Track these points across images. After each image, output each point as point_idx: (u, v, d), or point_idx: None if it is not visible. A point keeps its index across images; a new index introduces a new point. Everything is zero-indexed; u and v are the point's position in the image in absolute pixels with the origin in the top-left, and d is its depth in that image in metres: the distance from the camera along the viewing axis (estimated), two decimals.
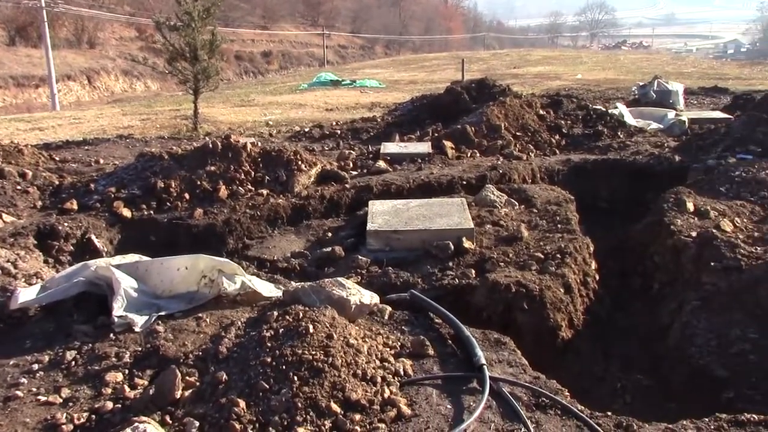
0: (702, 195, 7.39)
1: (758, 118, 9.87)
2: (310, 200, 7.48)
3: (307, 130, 12.60)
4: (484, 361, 4.04)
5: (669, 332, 5.68)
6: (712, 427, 3.63)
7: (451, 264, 5.83)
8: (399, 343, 4.32)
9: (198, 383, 3.76)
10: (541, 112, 11.36)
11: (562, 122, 11.16)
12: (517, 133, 10.40)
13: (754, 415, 3.68)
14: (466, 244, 6.01)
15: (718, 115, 12.70)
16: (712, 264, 5.79)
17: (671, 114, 12.38)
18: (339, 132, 12.07)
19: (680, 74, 24.34)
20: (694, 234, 6.33)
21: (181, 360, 4.01)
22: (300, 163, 8.14)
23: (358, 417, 3.47)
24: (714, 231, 6.22)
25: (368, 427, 3.43)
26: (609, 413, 3.76)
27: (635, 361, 5.79)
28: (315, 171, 8.31)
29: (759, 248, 5.90)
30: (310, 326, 3.93)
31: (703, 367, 5.11)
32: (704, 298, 5.63)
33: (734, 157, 8.77)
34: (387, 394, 3.69)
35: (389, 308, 4.79)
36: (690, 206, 6.92)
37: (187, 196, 7.39)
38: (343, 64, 45.21)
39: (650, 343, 5.92)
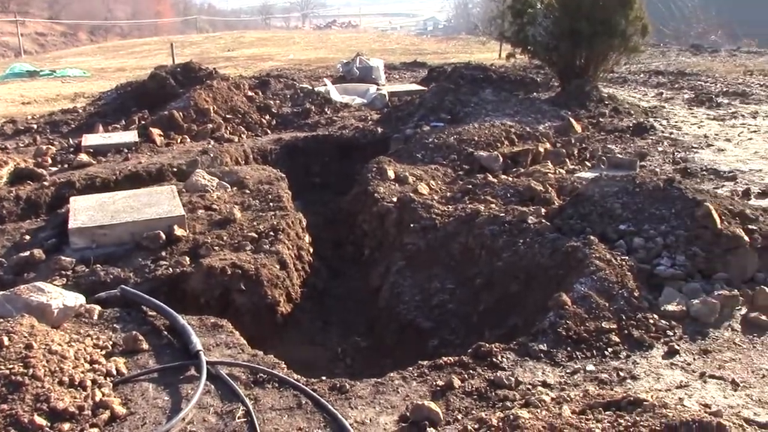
0: (402, 162, 7.94)
1: (446, 88, 10.84)
2: (3, 203, 6.84)
3: None
4: (200, 347, 4.02)
5: (380, 294, 6.08)
6: (415, 374, 3.94)
7: (164, 254, 5.68)
8: (111, 342, 4.16)
9: None
10: (250, 93, 11.42)
11: (272, 102, 11.32)
12: (227, 116, 10.36)
13: (450, 358, 4.06)
14: (178, 231, 5.90)
15: (415, 87, 13.65)
16: (412, 225, 6.26)
17: (373, 89, 13.06)
18: (36, 126, 11.07)
19: (386, 51, 25.67)
20: (395, 199, 6.80)
21: None
22: None
23: (67, 426, 3.28)
24: (412, 195, 6.73)
25: None
26: (324, 378, 3.94)
27: (353, 325, 6.11)
28: (7, 170, 7.61)
29: (450, 207, 6.49)
30: (5, 338, 3.64)
31: (411, 321, 5.54)
32: (408, 257, 6.08)
33: (428, 125, 9.51)
34: (99, 396, 3.54)
35: (98, 307, 4.57)
36: (391, 174, 7.42)
37: None
38: (42, 53, 41.48)
39: (365, 306, 6.28)
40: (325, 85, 13.13)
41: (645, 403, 3.19)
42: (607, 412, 3.22)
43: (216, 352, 4.18)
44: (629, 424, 3.02)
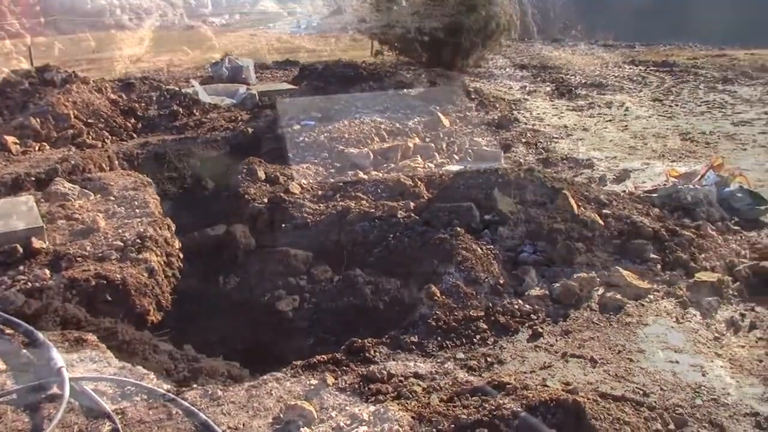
0: (273, 162, 7.89)
1: (317, 86, 10.85)
2: None
3: None
4: (62, 364, 3.85)
5: (254, 295, 6.00)
6: (290, 374, 3.94)
7: (22, 268, 5.39)
8: None
9: None
10: (113, 96, 10.98)
11: (137, 105, 10.94)
12: (90, 121, 9.92)
13: (323, 356, 4.09)
14: (37, 244, 5.61)
15: (286, 86, 13.56)
16: (284, 225, 6.24)
17: (243, 89, 12.86)
18: None
19: (258, 50, 25.35)
20: (266, 200, 6.74)
21: None
22: None
23: None
24: (283, 195, 6.70)
25: None
26: (195, 386, 3.87)
27: (229, 326, 5.99)
28: None
29: (322, 205, 6.51)
30: None
31: (290, 321, 5.51)
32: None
33: (299, 125, 9.47)
34: None
35: None
36: (261, 174, 7.35)
37: None
38: None
39: (241, 308, 6.18)
40: (193, 86, 12.81)
41: (508, 386, 3.33)
42: (473, 398, 3.33)
43: (80, 367, 4.01)
44: (493, 407, 3.13)
